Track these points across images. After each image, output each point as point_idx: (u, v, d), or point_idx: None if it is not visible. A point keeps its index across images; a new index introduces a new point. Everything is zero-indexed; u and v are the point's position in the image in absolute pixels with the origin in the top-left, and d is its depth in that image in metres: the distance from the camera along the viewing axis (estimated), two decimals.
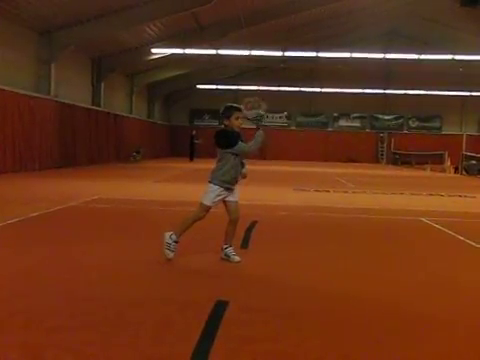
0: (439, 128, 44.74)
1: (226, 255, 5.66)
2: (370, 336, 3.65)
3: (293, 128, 45.29)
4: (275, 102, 43.60)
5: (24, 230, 7.45)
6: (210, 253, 5.98)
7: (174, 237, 5.45)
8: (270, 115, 45.20)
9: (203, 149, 35.54)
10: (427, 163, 34.68)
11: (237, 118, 5.43)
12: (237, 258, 5.61)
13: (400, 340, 3.59)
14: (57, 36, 22.08)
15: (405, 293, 4.78)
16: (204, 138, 33.85)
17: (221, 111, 5.54)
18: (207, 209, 5.50)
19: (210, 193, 5.47)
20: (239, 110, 5.45)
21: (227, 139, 5.46)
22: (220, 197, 5.49)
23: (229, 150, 5.44)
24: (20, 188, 13.88)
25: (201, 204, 5.51)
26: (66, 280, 4.81)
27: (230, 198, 5.55)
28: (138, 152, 32.05)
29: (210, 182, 5.51)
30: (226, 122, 5.47)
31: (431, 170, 32.15)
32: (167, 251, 5.45)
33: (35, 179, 16.56)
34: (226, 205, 5.62)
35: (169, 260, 5.44)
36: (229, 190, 5.52)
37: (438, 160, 35.98)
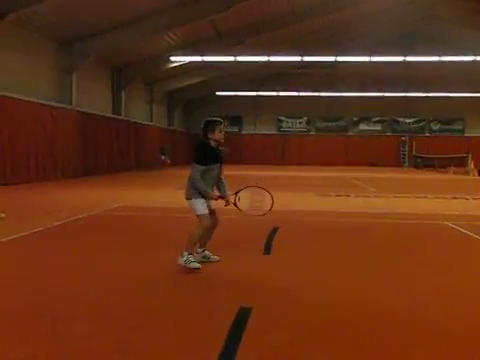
0: (462, 130, 44.17)
1: (205, 257, 5.79)
2: (396, 346, 3.59)
3: (313, 133, 45.15)
4: (294, 107, 43.71)
5: (48, 239, 7.52)
6: (231, 260, 5.95)
7: (186, 253, 5.46)
8: (290, 121, 45.21)
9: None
10: (450, 166, 34.20)
11: (220, 131, 5.59)
12: (216, 257, 5.82)
13: (429, 353, 3.52)
14: (77, 47, 22.41)
15: (431, 302, 4.68)
16: (227, 145, 33.68)
17: (203, 125, 5.65)
18: (207, 216, 5.56)
19: (198, 204, 5.52)
20: (222, 123, 5.65)
21: (202, 154, 5.55)
22: (207, 202, 5.60)
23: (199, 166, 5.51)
24: (43, 197, 14.04)
25: (200, 216, 5.55)
26: (89, 288, 4.83)
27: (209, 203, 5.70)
28: (164, 153, 31.68)
29: (190, 199, 5.55)
30: (210, 135, 5.58)
31: (454, 173, 31.70)
32: (191, 264, 5.42)
33: (58, 188, 16.74)
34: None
35: (199, 269, 5.41)
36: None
37: (461, 163, 35.45)
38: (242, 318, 3.95)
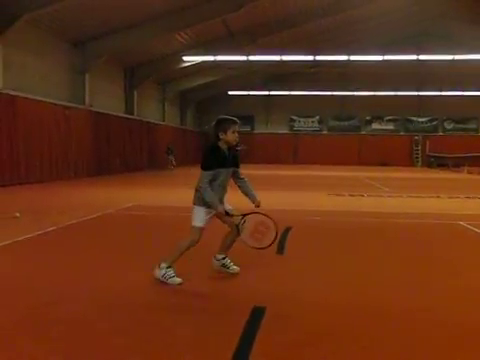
0: (476, 129, 43.77)
1: (224, 266, 5.29)
2: (407, 348, 3.57)
3: (325, 132, 45.01)
4: (307, 106, 43.61)
5: (62, 238, 7.58)
6: (244, 259, 5.94)
7: (164, 264, 4.97)
8: (302, 120, 45.11)
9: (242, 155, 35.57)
10: (464, 165, 33.95)
11: (234, 132, 4.94)
12: (236, 268, 5.29)
13: (438, 356, 3.50)
14: (90, 47, 22.55)
15: (444, 303, 4.65)
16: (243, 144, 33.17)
17: (215, 124, 4.98)
18: (200, 231, 5.00)
19: (198, 213, 5.00)
20: (236, 123, 4.99)
21: (207, 158, 4.96)
22: (211, 214, 5.00)
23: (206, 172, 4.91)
24: (57, 196, 14.15)
25: (193, 227, 5.01)
26: (102, 287, 4.86)
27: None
28: (170, 152, 30.98)
29: (194, 204, 5.06)
30: (222, 136, 4.92)
31: (468, 172, 31.45)
32: (171, 280, 4.92)
33: (71, 187, 16.86)
34: (222, 219, 5.12)
35: (180, 284, 4.90)
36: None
37: (476, 162, 35.19)
38: (256, 317, 3.96)
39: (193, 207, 5.06)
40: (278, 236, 4.85)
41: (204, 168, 4.90)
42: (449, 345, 3.56)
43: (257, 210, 4.98)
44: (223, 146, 4.98)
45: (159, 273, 4.97)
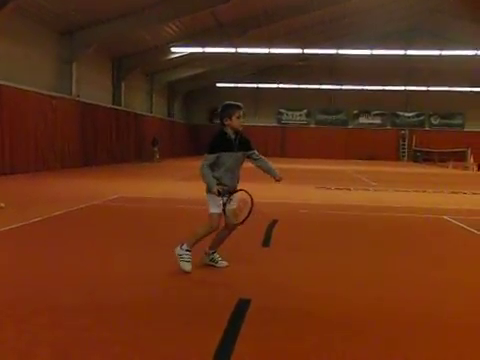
0: (462, 125, 44.16)
1: (212, 260, 5.34)
2: (392, 339, 3.61)
3: (313, 126, 45.12)
4: (295, 100, 43.66)
5: (48, 229, 7.53)
6: (230, 252, 5.96)
7: (185, 246, 5.10)
8: (290, 113, 45.16)
9: None
10: (449, 160, 34.23)
11: (238, 117, 5.00)
12: (225, 263, 5.34)
13: (422, 347, 3.54)
14: (78, 36, 22.35)
15: (427, 296, 4.70)
16: None
17: (220, 109, 5.06)
18: (218, 217, 5.05)
19: (212, 200, 5.03)
20: (240, 108, 5.05)
21: (212, 142, 5.05)
22: (229, 203, 5.02)
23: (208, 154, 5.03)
24: (43, 187, 14.04)
25: (210, 214, 5.06)
26: (88, 279, 4.84)
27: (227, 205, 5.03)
28: (156, 143, 30.61)
29: (207, 192, 5.06)
30: (226, 122, 5.00)
31: (453, 167, 31.73)
32: (182, 263, 5.07)
33: (57, 178, 16.73)
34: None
35: (188, 273, 5.01)
36: (230, 193, 5.03)
37: (461, 157, 35.50)
38: (241, 309, 3.97)
39: (206, 195, 5.10)
40: (251, 213, 4.95)
41: (207, 152, 5.02)
42: (434, 336, 3.60)
43: (240, 188, 5.07)
44: (229, 131, 5.05)
45: (178, 251, 5.10)
